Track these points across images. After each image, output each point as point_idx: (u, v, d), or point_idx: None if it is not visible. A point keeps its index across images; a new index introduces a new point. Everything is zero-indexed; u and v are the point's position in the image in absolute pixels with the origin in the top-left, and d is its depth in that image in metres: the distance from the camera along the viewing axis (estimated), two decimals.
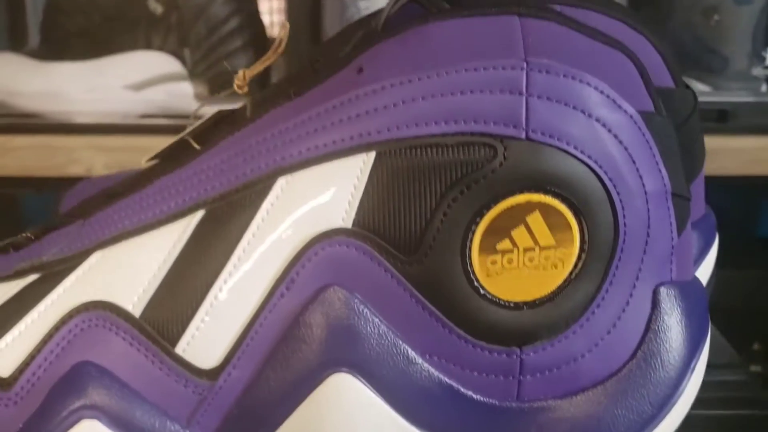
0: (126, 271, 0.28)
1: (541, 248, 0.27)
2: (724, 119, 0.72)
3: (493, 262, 0.27)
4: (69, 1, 0.73)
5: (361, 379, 0.27)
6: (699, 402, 0.31)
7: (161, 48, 0.73)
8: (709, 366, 0.31)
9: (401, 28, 0.27)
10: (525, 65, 0.26)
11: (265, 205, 0.28)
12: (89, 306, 0.28)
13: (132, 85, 0.72)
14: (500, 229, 0.27)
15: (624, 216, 0.28)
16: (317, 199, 0.27)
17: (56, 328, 0.28)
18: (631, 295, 0.28)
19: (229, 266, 0.28)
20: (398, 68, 0.27)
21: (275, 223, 0.28)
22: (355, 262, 0.27)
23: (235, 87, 0.30)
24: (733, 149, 0.72)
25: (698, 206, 0.37)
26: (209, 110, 0.34)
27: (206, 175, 0.28)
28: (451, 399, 0.28)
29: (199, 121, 0.33)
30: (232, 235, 0.28)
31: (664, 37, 0.73)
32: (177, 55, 0.73)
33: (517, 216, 0.27)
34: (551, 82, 0.26)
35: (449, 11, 0.27)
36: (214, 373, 0.28)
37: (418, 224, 0.27)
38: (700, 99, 0.74)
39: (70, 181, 0.71)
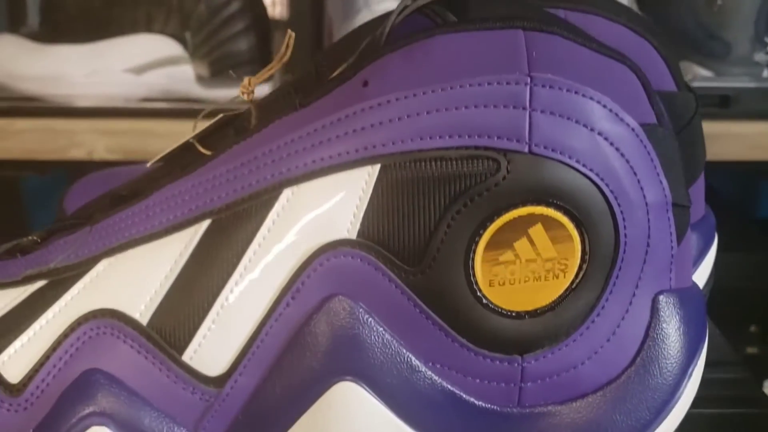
0: (133, 280, 0.29)
1: (543, 259, 0.28)
2: (726, 105, 0.72)
3: (496, 273, 0.28)
4: None
5: (366, 387, 0.28)
6: (695, 400, 0.31)
7: (162, 31, 0.72)
8: (706, 364, 0.32)
9: (406, 41, 0.28)
10: (529, 80, 0.26)
11: (271, 215, 0.28)
12: (97, 314, 0.28)
13: (133, 68, 0.72)
14: (503, 241, 0.27)
15: (625, 227, 0.28)
16: (322, 210, 0.28)
17: (64, 336, 0.28)
18: (630, 303, 0.29)
19: (235, 275, 0.28)
20: (403, 82, 0.27)
21: (281, 233, 0.28)
22: (360, 273, 0.28)
23: (240, 93, 0.30)
24: (734, 134, 0.72)
25: (698, 208, 0.37)
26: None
27: (212, 185, 0.29)
28: (453, 405, 0.29)
29: (205, 125, 0.33)
30: (238, 245, 0.28)
31: (667, 22, 0.73)
32: (178, 38, 0.72)
33: (519, 228, 0.27)
34: (554, 97, 0.27)
35: (454, 25, 0.28)
36: (220, 381, 0.28)
37: (423, 235, 0.27)
38: (702, 84, 0.74)
39: (71, 165, 0.72)
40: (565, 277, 0.28)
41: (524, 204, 0.27)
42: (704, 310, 0.32)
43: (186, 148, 0.34)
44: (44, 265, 0.30)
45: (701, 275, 0.38)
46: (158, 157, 0.34)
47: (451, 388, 0.29)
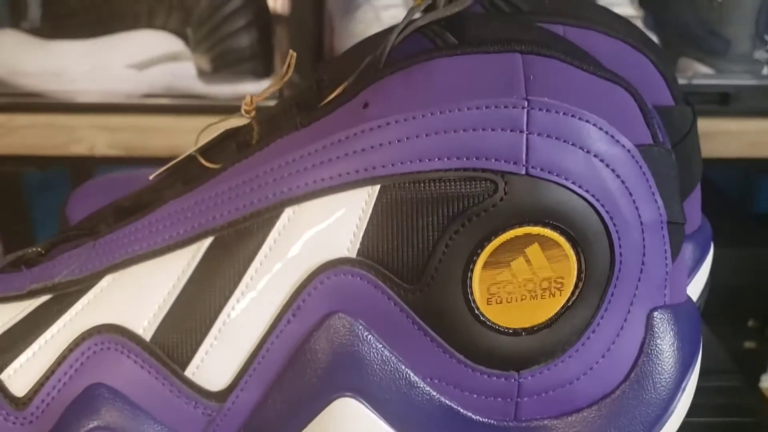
0: (136, 295, 0.29)
1: (540, 278, 0.28)
2: (725, 102, 0.72)
3: (494, 292, 0.28)
4: None
5: (365, 402, 0.29)
6: (691, 408, 0.32)
7: (164, 27, 0.72)
8: (701, 371, 0.32)
9: (406, 63, 0.28)
10: (526, 104, 0.27)
11: (273, 233, 0.28)
12: (101, 329, 0.29)
13: (134, 64, 0.72)
14: (500, 261, 0.28)
15: (620, 246, 0.28)
16: (323, 229, 0.28)
17: (69, 350, 0.29)
18: (625, 320, 0.29)
19: (237, 293, 0.29)
20: (402, 104, 0.27)
21: (282, 251, 0.28)
22: (360, 291, 0.28)
23: (242, 111, 0.31)
24: (734, 132, 0.72)
25: (694, 219, 0.38)
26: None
27: (214, 203, 0.29)
28: (451, 420, 0.29)
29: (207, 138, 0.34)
30: (240, 263, 0.29)
31: (668, 19, 0.73)
32: (180, 33, 0.72)
33: (516, 248, 0.28)
34: (551, 120, 0.27)
35: (453, 47, 0.28)
36: (222, 395, 0.29)
37: (421, 255, 0.28)
38: (702, 81, 0.74)
39: (72, 161, 0.72)
40: (561, 295, 0.29)
41: (521, 224, 0.28)
42: (699, 324, 0.32)
43: (188, 160, 0.34)
44: (49, 279, 0.30)
45: (697, 285, 0.38)
46: (161, 170, 0.34)
47: (449, 403, 0.29)
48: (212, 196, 0.29)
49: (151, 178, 0.35)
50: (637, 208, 0.28)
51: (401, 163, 0.27)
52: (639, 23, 0.70)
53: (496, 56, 0.27)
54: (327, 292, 0.28)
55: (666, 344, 0.30)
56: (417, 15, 0.30)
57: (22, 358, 0.29)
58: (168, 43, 0.73)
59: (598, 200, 0.28)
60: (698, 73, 0.74)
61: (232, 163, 0.30)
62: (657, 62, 0.35)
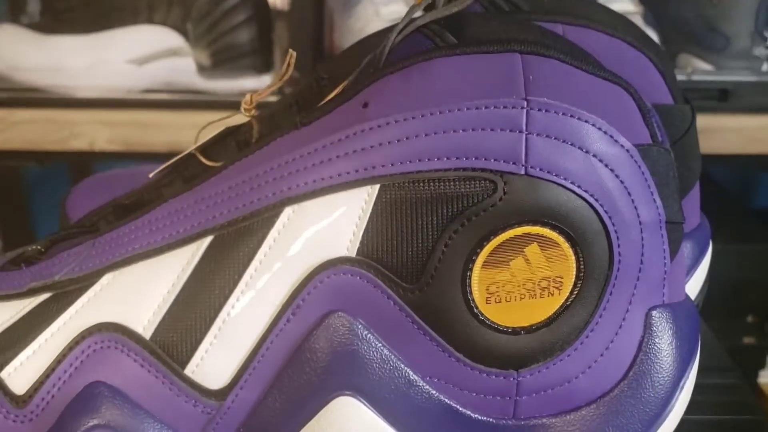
0: (136, 294, 0.29)
1: (539, 278, 0.28)
2: (725, 98, 0.72)
3: (493, 291, 0.28)
4: None
5: (364, 401, 0.29)
6: (689, 405, 0.32)
7: (164, 22, 0.72)
8: (699, 369, 0.33)
9: (405, 62, 0.28)
10: (525, 104, 0.27)
11: (273, 233, 0.28)
12: (101, 327, 0.29)
13: (134, 59, 0.72)
14: (499, 260, 0.28)
15: (619, 246, 0.28)
16: (323, 228, 0.28)
17: (69, 348, 0.29)
18: (624, 319, 0.30)
19: (236, 291, 0.29)
20: (402, 104, 0.27)
21: (282, 250, 0.28)
22: (359, 290, 0.28)
23: (242, 110, 0.31)
24: (733, 128, 0.72)
25: (693, 217, 0.38)
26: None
27: (214, 202, 0.29)
28: (450, 418, 0.30)
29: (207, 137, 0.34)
30: (239, 262, 0.29)
31: (667, 15, 0.73)
32: (180, 29, 0.72)
33: (515, 247, 0.28)
34: (550, 120, 0.27)
35: (452, 47, 0.28)
36: (222, 394, 0.29)
37: (421, 254, 0.28)
38: (702, 78, 0.75)
39: (72, 156, 0.72)
40: (560, 294, 0.29)
41: (520, 224, 0.28)
42: (697, 322, 0.32)
43: (188, 157, 0.34)
44: (49, 277, 0.30)
45: (695, 283, 0.38)
46: (161, 167, 0.34)
47: (448, 402, 0.29)
48: (212, 195, 0.29)
49: (151, 175, 0.35)
50: (635, 207, 0.28)
51: (401, 163, 0.27)
52: (638, 19, 0.70)
53: (496, 56, 0.27)
54: (327, 291, 0.28)
55: (664, 343, 0.30)
56: (417, 14, 0.30)
57: (22, 357, 0.29)
58: (168, 38, 0.73)
59: (597, 200, 0.28)
60: (697, 69, 0.74)
61: (232, 161, 0.30)
62: (656, 61, 0.35)
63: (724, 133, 0.73)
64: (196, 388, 0.29)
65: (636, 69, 0.34)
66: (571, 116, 0.27)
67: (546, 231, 0.28)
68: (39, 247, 0.33)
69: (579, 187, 0.27)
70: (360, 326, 0.28)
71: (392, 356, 0.29)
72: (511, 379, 0.29)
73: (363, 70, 0.29)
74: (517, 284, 0.28)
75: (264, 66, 0.73)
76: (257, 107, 0.32)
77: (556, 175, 0.27)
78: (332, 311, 0.28)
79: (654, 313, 0.30)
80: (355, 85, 0.29)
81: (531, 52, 0.28)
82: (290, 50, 0.29)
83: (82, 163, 0.85)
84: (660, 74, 0.35)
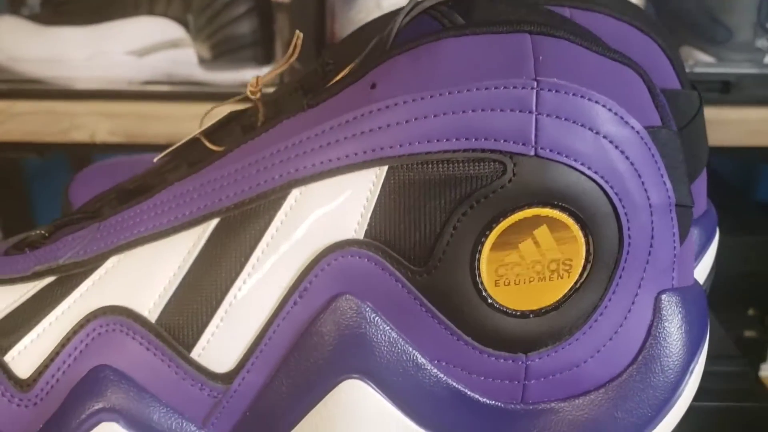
0: (142, 277, 0.29)
1: (548, 260, 0.28)
2: (727, 90, 0.72)
3: (501, 274, 0.28)
4: None
5: (372, 384, 0.28)
6: (696, 393, 0.32)
7: (164, 13, 0.72)
8: (706, 356, 0.32)
9: (414, 43, 0.28)
10: (535, 84, 0.27)
11: (279, 215, 0.28)
12: (106, 310, 0.29)
13: (135, 50, 0.72)
14: (508, 242, 0.28)
15: (629, 228, 0.28)
16: (330, 210, 0.28)
17: (74, 332, 0.29)
18: (633, 303, 0.29)
19: (243, 274, 0.28)
20: (410, 85, 0.27)
21: (289, 233, 0.28)
22: (367, 272, 0.28)
23: (248, 92, 0.31)
24: (735, 120, 0.72)
25: (700, 203, 0.38)
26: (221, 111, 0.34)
27: (220, 184, 0.29)
28: (458, 401, 0.29)
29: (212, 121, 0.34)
30: (246, 244, 0.28)
31: (670, 7, 0.73)
32: (180, 20, 0.72)
33: (524, 229, 0.28)
34: (560, 101, 0.27)
35: (461, 28, 0.28)
36: (228, 377, 0.29)
37: (429, 237, 0.28)
38: (704, 70, 0.74)
39: (72, 147, 0.72)
40: (569, 277, 0.28)
41: (530, 206, 0.27)
42: (705, 307, 0.32)
43: (192, 142, 0.34)
44: (53, 260, 0.30)
45: (702, 269, 0.38)
46: (165, 152, 0.34)
47: (456, 386, 0.29)
48: (218, 178, 0.29)
49: (155, 160, 0.34)
50: (645, 190, 0.28)
51: (409, 144, 0.27)
52: None
53: (505, 36, 0.27)
54: (334, 274, 0.28)
55: (674, 327, 0.30)
56: None
57: (27, 340, 0.29)
58: (168, 29, 0.72)
59: (607, 182, 0.27)
60: (700, 61, 0.73)
61: (238, 144, 0.30)
62: (664, 45, 0.35)
63: (726, 126, 0.72)
64: (202, 372, 0.29)
65: (644, 53, 0.34)
66: (582, 97, 0.27)
67: (555, 213, 0.28)
68: (43, 232, 0.33)
69: (589, 168, 0.27)
70: (368, 309, 0.28)
71: (400, 339, 0.28)
72: (520, 362, 0.29)
73: (370, 52, 0.29)
74: (526, 267, 0.28)
75: (265, 58, 0.73)
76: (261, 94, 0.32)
77: (566, 157, 0.27)
78: (340, 294, 0.28)
79: (663, 297, 0.30)
80: (362, 66, 0.29)
81: (541, 33, 0.27)
82: (297, 32, 0.29)
83: (83, 155, 0.85)
84: (668, 59, 0.35)
